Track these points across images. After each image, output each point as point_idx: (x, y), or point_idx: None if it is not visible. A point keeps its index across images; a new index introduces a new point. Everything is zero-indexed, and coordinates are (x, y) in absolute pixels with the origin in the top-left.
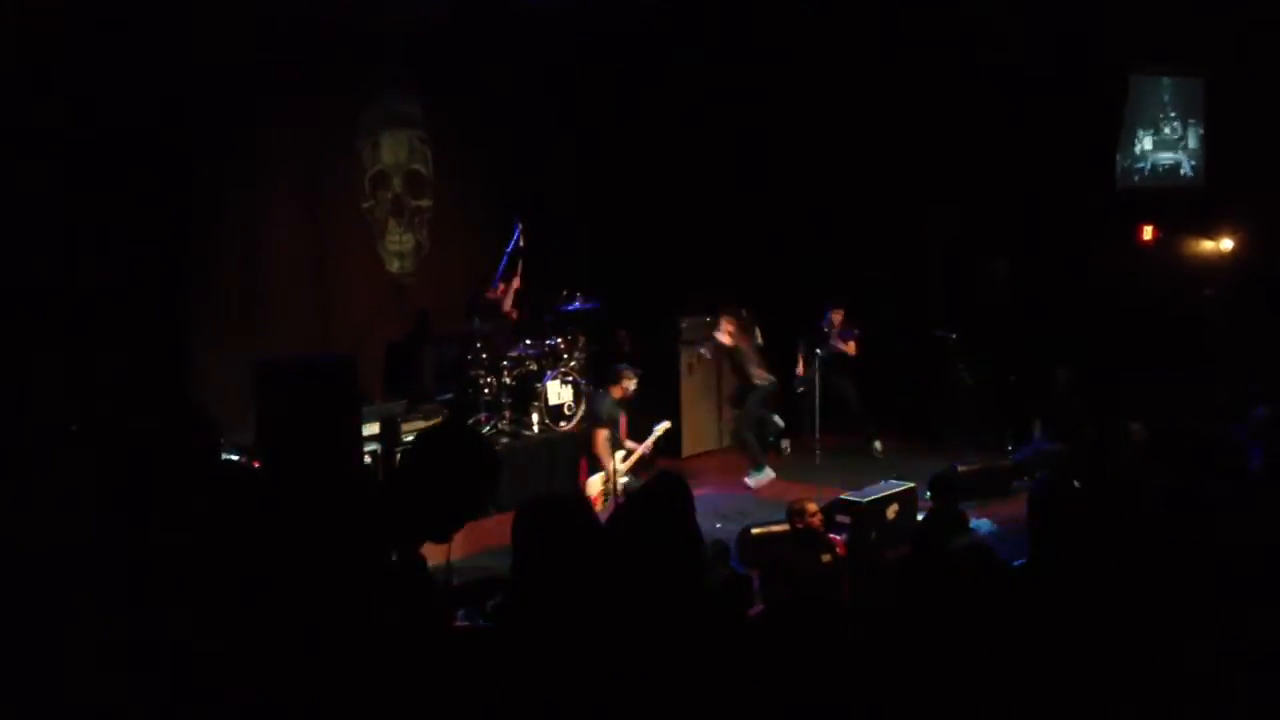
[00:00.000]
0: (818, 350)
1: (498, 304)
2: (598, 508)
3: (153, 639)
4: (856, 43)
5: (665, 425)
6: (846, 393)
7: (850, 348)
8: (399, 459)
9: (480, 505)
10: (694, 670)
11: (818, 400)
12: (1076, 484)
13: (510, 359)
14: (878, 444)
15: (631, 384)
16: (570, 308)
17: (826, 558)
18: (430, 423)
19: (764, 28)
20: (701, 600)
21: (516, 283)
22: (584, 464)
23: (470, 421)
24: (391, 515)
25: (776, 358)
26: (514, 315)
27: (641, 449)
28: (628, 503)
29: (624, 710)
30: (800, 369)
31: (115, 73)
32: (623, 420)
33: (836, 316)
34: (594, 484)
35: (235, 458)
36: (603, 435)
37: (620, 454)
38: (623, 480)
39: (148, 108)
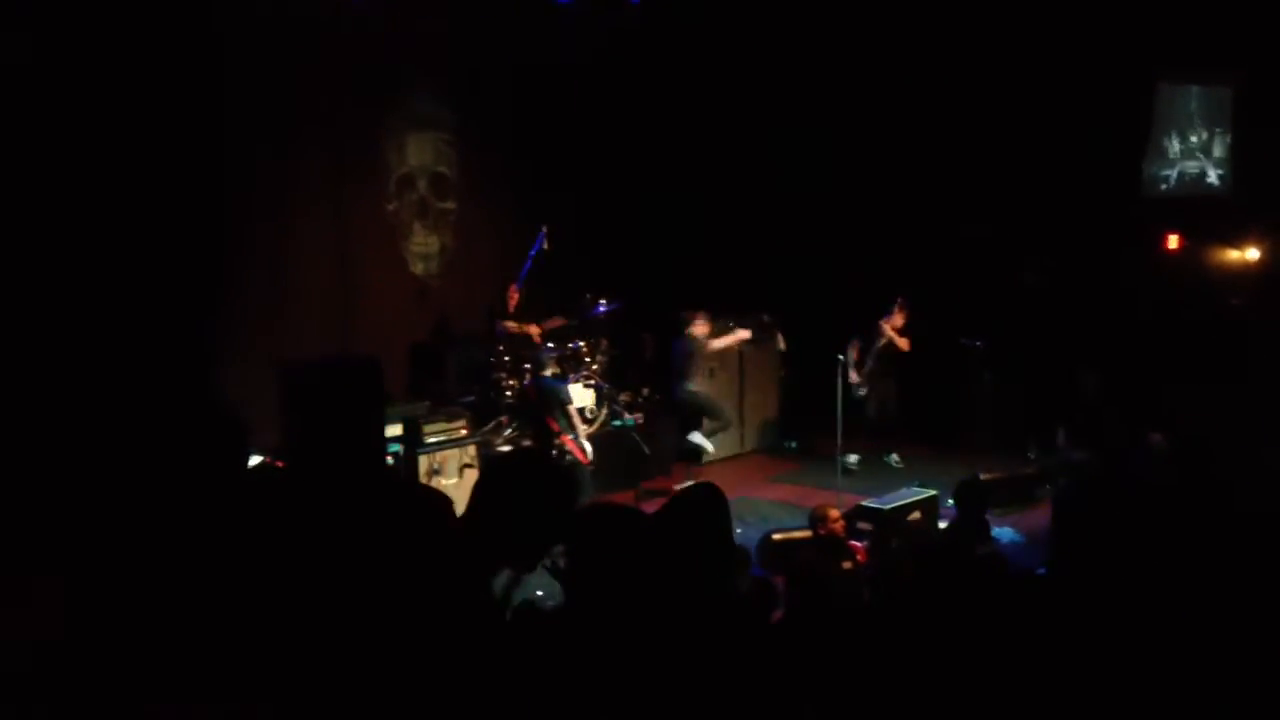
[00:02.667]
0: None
1: (519, 328)
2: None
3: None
4: (889, 48)
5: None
6: (888, 398)
7: (898, 325)
8: (475, 490)
9: (561, 532)
10: (721, 673)
11: (840, 406)
12: (1100, 492)
13: (533, 361)
14: (895, 456)
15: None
16: (594, 313)
17: (848, 564)
18: (505, 449)
19: (796, 32)
20: (731, 606)
21: (556, 322)
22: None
23: (493, 424)
24: (474, 548)
25: (804, 363)
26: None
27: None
28: (666, 510)
29: (654, 711)
30: (854, 375)
31: (141, 73)
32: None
33: (897, 318)
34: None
35: (261, 459)
36: (572, 409)
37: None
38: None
39: (175, 108)
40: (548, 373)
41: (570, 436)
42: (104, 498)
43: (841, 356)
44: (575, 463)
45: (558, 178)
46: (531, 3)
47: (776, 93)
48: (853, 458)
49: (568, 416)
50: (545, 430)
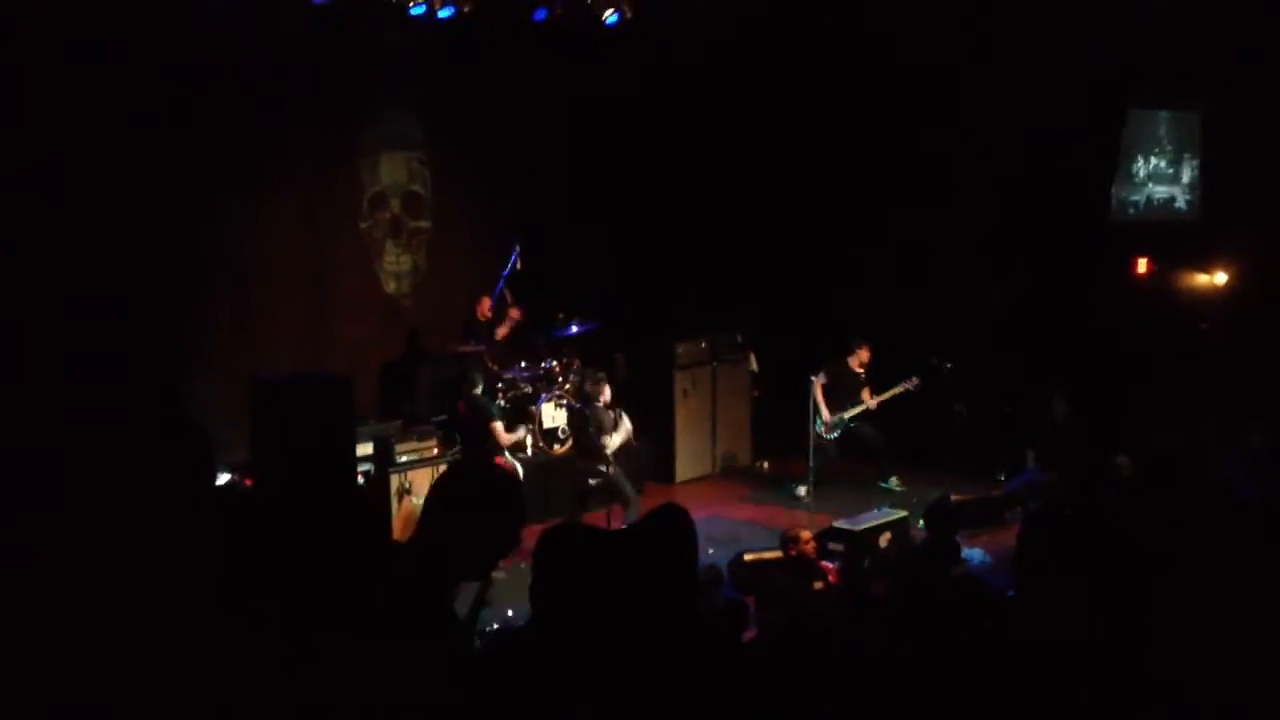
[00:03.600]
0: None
1: (489, 326)
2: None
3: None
4: (855, 71)
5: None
6: (872, 440)
7: (865, 361)
8: (424, 502)
9: (510, 542)
10: (691, 694)
11: (811, 427)
12: (1067, 515)
13: (505, 381)
14: (895, 480)
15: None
16: (566, 332)
17: (819, 585)
18: (447, 461)
19: (765, 56)
20: (697, 627)
21: (516, 313)
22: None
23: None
24: (424, 561)
25: (778, 386)
26: (502, 337)
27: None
28: (631, 533)
29: None
30: (826, 420)
31: (117, 87)
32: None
33: (862, 354)
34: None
35: (229, 477)
36: (498, 425)
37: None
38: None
39: (147, 124)
40: (477, 390)
41: (500, 456)
42: (70, 511)
43: (814, 378)
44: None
45: (531, 197)
46: (507, 22)
47: (749, 112)
48: (801, 489)
49: (493, 435)
50: (477, 447)
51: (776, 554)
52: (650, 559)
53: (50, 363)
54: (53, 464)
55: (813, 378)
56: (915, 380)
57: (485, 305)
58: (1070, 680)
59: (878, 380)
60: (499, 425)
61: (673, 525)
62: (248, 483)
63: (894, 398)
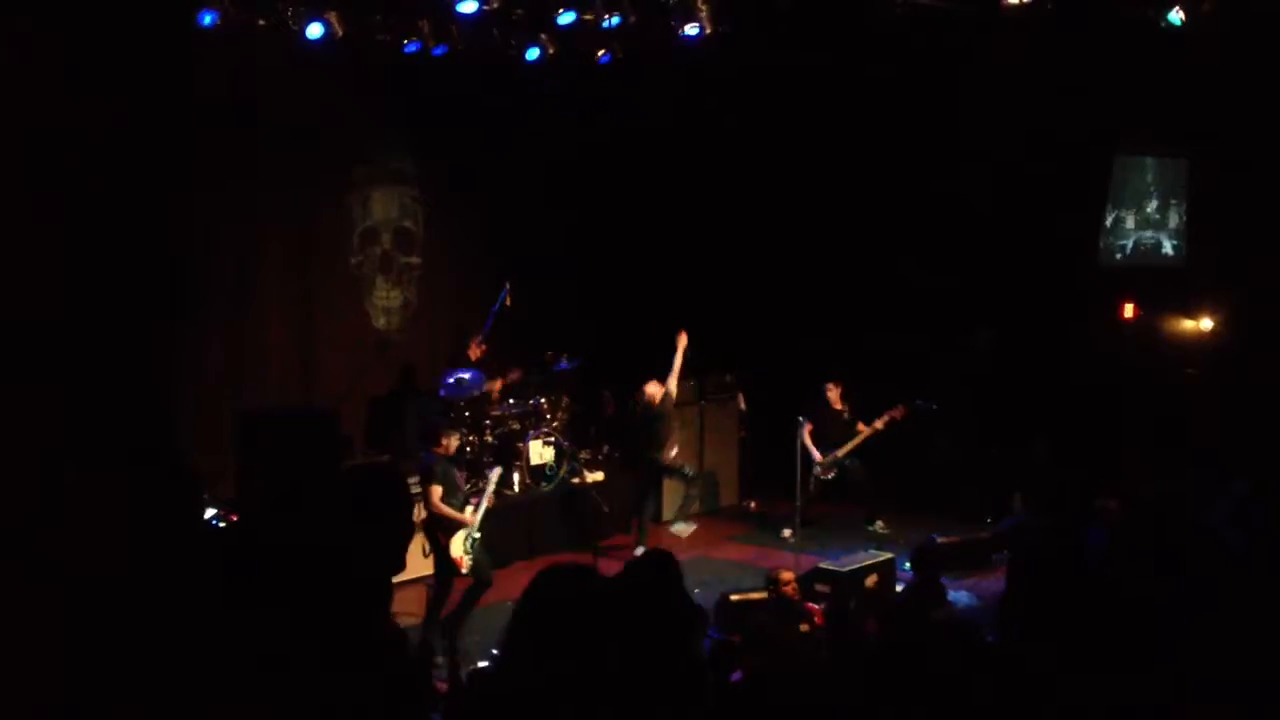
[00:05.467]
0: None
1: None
2: (463, 568)
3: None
4: (846, 115)
5: (498, 471)
6: (858, 474)
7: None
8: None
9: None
10: None
11: (799, 469)
12: (1053, 559)
13: (493, 418)
14: (880, 523)
15: (453, 441)
16: (555, 369)
17: (805, 627)
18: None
19: (755, 97)
20: (689, 668)
21: (515, 375)
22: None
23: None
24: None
25: (766, 425)
26: (496, 391)
27: (485, 499)
28: (620, 578)
29: None
30: (817, 457)
31: (113, 121)
32: (459, 476)
33: (833, 392)
34: (455, 544)
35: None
36: (437, 492)
37: (470, 509)
38: (475, 535)
39: (141, 156)
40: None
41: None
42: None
43: (801, 419)
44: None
45: (522, 235)
46: (500, 61)
47: (738, 150)
48: (786, 531)
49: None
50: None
51: (763, 594)
52: (637, 603)
53: (36, 400)
54: (40, 507)
55: (800, 422)
56: (902, 409)
57: (475, 347)
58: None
59: (868, 417)
60: (436, 490)
61: (659, 570)
62: (232, 518)
63: (886, 426)
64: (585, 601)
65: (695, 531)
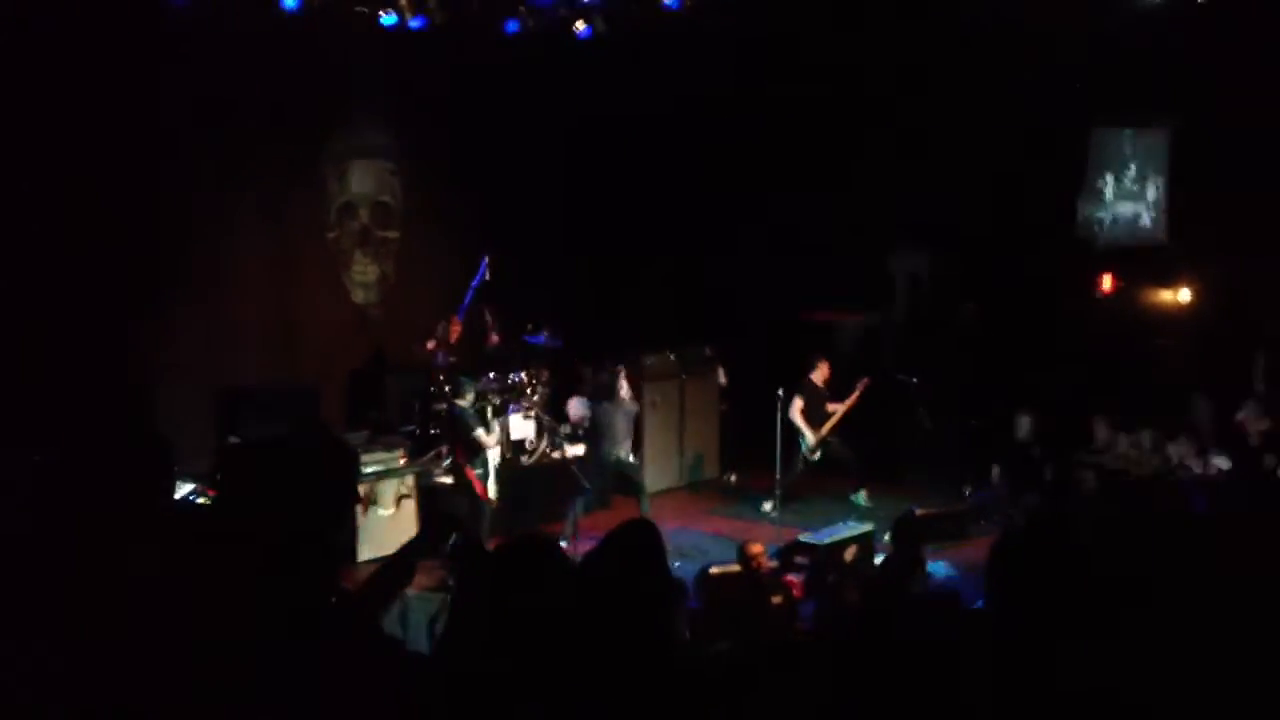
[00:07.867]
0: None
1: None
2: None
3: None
4: (827, 88)
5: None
6: (843, 453)
7: (826, 376)
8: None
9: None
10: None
11: (779, 441)
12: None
13: (475, 391)
14: (863, 493)
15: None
16: (537, 339)
17: (778, 599)
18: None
19: (736, 71)
20: (669, 643)
21: (496, 338)
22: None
23: (431, 454)
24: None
25: (749, 403)
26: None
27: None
28: (600, 548)
29: None
30: (812, 439)
31: (82, 97)
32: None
33: (821, 371)
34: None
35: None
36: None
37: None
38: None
39: (109, 133)
40: (463, 401)
41: (473, 469)
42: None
43: (781, 391)
44: (474, 494)
45: (501, 208)
46: (478, 34)
47: (716, 120)
48: (767, 505)
49: (470, 448)
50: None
51: (739, 568)
52: (618, 573)
53: (12, 368)
54: (15, 471)
55: (793, 400)
56: (865, 381)
57: (454, 324)
58: (1036, 691)
59: (837, 395)
60: (483, 436)
61: (641, 539)
62: (210, 493)
63: (856, 403)
64: (559, 571)
65: (676, 505)
